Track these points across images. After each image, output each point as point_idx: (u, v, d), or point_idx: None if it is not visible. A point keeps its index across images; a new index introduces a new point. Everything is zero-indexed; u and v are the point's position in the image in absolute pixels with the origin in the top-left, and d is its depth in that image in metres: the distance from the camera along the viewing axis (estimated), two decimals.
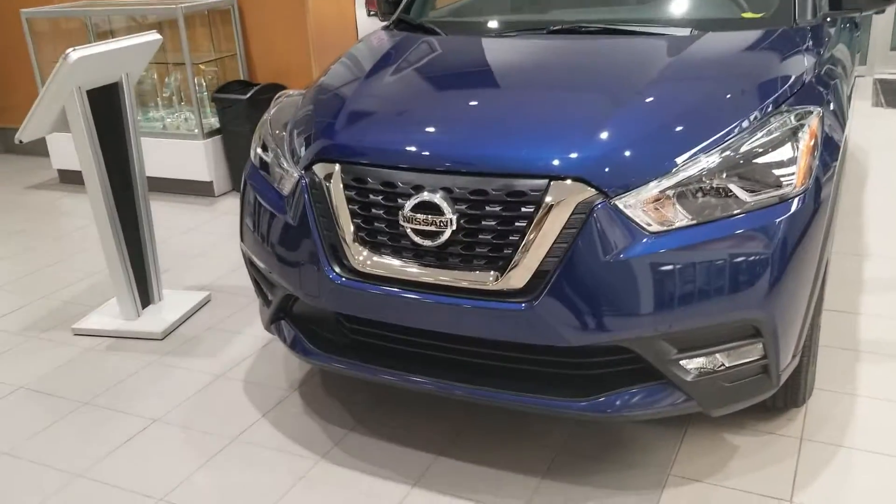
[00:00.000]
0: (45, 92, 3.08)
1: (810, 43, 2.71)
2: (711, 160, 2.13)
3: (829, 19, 3.00)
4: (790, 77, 2.45)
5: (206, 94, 5.28)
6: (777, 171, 2.16)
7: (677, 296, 2.08)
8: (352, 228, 2.32)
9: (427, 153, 2.27)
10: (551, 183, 2.10)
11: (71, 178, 5.68)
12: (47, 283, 4.08)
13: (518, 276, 2.13)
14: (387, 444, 2.62)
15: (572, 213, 2.08)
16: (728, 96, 2.35)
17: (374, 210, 2.30)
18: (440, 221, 2.17)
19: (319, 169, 2.40)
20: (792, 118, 2.27)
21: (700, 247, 2.08)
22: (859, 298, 3.45)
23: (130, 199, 3.49)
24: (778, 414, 2.68)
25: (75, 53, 3.03)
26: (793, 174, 2.17)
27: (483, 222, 2.17)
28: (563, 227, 2.09)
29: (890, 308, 3.34)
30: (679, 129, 2.22)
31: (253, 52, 5.44)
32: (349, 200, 2.33)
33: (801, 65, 2.53)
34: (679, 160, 2.13)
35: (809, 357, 2.45)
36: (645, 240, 2.08)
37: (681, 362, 2.17)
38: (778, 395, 2.54)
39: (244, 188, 2.70)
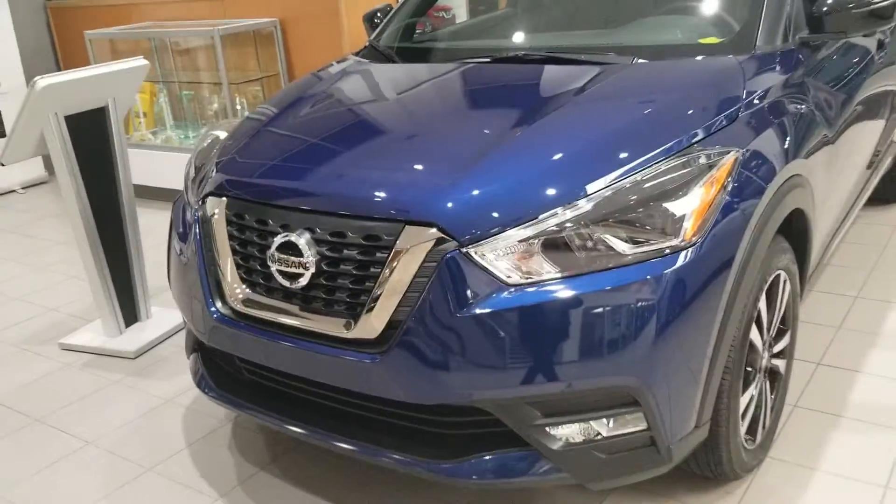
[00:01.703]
0: (19, 118, 3.19)
1: (767, 72, 2.43)
2: (586, 206, 1.92)
3: (812, 44, 2.67)
4: (715, 113, 2.18)
5: (247, 112, 5.37)
6: (664, 221, 1.93)
7: (536, 356, 1.88)
8: (231, 265, 2.26)
9: (294, 191, 2.18)
10: (405, 228, 1.96)
11: None
12: (59, 295, 4.25)
13: (371, 326, 2.00)
14: (290, 489, 2.53)
15: (424, 261, 1.93)
16: (624, 135, 2.12)
17: (248, 247, 2.23)
18: (301, 263, 2.07)
19: (209, 203, 2.36)
20: (701, 160, 2.03)
21: (565, 303, 1.88)
22: (867, 353, 3.06)
23: (117, 219, 3.57)
24: (714, 485, 2.40)
25: (43, 81, 3.13)
26: (682, 225, 1.93)
27: (341, 266, 2.05)
28: (415, 276, 1.94)
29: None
30: (555, 171, 2.02)
31: (296, 71, 5.50)
32: (230, 236, 2.28)
33: (737, 98, 2.25)
34: (547, 206, 1.93)
35: (728, 426, 2.17)
36: (501, 293, 1.89)
37: (547, 429, 1.97)
38: (702, 466, 2.27)
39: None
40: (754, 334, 2.23)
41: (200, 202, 2.40)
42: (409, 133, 2.32)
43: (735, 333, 2.08)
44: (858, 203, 3.35)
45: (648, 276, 1.88)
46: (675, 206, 1.94)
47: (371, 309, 1.99)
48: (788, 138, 2.33)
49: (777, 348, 2.49)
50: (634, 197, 1.94)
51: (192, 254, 2.38)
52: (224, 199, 2.32)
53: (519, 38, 3.16)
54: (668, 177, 1.97)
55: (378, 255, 1.99)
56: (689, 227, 1.93)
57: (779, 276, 2.35)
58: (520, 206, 1.95)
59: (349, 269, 2.03)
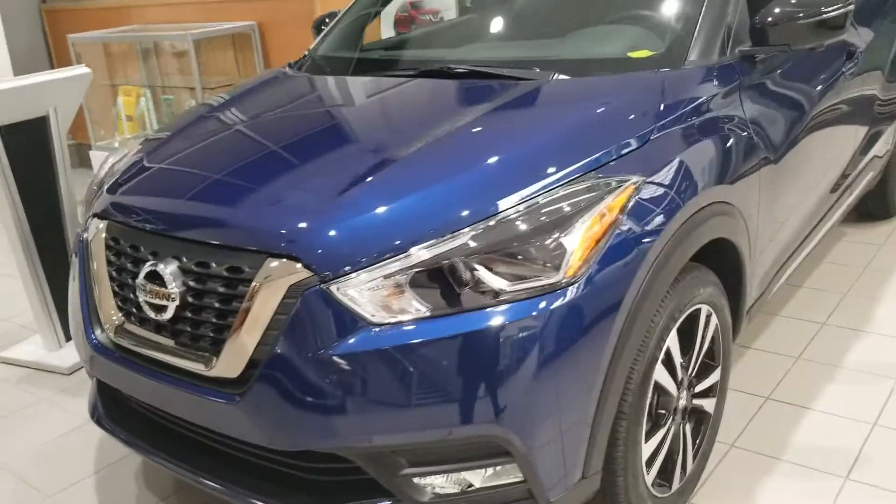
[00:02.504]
0: None
1: (694, 89, 2.25)
2: (461, 239, 1.76)
3: (757, 57, 2.48)
4: (622, 136, 2.01)
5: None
6: (545, 256, 1.77)
7: (397, 403, 1.74)
8: (108, 292, 2.15)
9: (165, 217, 2.05)
10: (266, 260, 1.82)
11: None
12: (12, 305, 4.17)
13: (232, 365, 1.86)
14: None
15: (284, 297, 1.79)
16: (513, 162, 1.95)
17: (122, 274, 2.11)
18: (166, 294, 1.95)
19: (92, 225, 2.25)
20: (595, 188, 1.86)
21: (429, 345, 1.72)
22: (822, 388, 2.85)
23: (59, 231, 3.49)
24: None
25: None
26: (565, 260, 1.77)
27: (205, 299, 1.92)
28: (276, 313, 1.80)
29: (862, 408, 2.74)
30: (431, 201, 1.86)
31: None
32: (108, 261, 2.16)
33: (651, 119, 2.08)
34: (420, 238, 1.78)
35: (627, 476, 2.00)
36: (363, 333, 1.74)
37: (414, 480, 1.82)
38: None
39: None
40: (663, 375, 2.06)
41: (85, 223, 2.29)
42: (291, 157, 2.18)
43: (630, 375, 1.91)
44: (821, 228, 3.13)
45: (524, 317, 1.73)
46: (559, 240, 1.78)
47: (232, 347, 1.86)
48: (710, 161, 2.16)
49: (703, 386, 2.30)
50: (515, 229, 1.78)
51: (75, 278, 2.28)
52: (105, 221, 2.20)
53: (451, 49, 2.99)
54: (554, 207, 1.81)
55: (240, 288, 1.86)
56: (573, 261, 1.77)
57: (699, 310, 2.18)
58: (389, 238, 1.79)
59: (212, 303, 1.90)
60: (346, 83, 2.67)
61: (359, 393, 1.74)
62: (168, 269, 1.94)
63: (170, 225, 2.02)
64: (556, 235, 1.78)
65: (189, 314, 1.94)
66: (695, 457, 2.32)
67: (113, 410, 2.37)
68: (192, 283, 1.93)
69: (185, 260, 1.94)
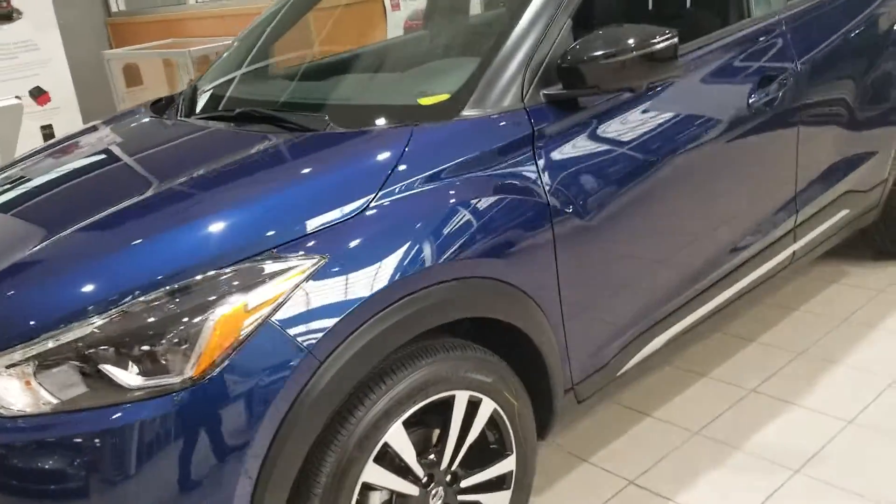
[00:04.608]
0: None
1: (459, 145, 1.96)
2: (88, 329, 1.61)
3: (581, 101, 2.13)
4: (324, 207, 1.77)
5: None
6: (169, 352, 1.59)
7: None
8: None
9: None
10: None
11: None
12: None
13: None
14: None
15: None
16: (179, 237, 1.75)
17: None
18: None
19: None
20: (253, 273, 1.65)
21: (59, 442, 1.58)
22: (699, 478, 2.45)
23: None
24: None
25: None
26: (192, 356, 1.58)
27: None
28: None
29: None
30: (70, 282, 1.70)
31: None
32: None
33: (368, 188, 1.82)
34: (51, 324, 1.63)
35: None
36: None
37: None
38: None
39: None
40: (381, 474, 1.82)
41: None
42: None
43: (312, 480, 1.72)
44: (724, 289, 2.65)
45: (151, 416, 1.56)
46: (192, 332, 1.59)
47: None
48: (454, 232, 1.85)
49: (478, 479, 2.02)
50: (147, 319, 1.61)
51: None
52: None
53: (265, 87, 2.79)
54: (194, 294, 1.62)
55: None
56: (193, 361, 1.58)
57: (452, 396, 1.91)
58: (26, 319, 1.66)
59: None
60: (144, 127, 2.55)
61: None
62: None
63: None
64: (189, 327, 1.59)
65: None
66: None
67: None
68: None
69: None
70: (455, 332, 2.02)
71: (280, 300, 1.63)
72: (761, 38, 2.64)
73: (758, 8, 2.68)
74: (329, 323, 1.66)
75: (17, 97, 3.64)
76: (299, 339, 1.63)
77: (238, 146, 2.11)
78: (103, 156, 2.39)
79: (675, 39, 2.03)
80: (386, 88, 2.41)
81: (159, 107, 2.82)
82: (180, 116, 2.61)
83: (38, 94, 6.42)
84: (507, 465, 2.07)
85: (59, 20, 6.45)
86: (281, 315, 1.62)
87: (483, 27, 2.81)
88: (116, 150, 2.39)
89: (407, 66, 2.63)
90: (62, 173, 2.34)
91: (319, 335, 1.65)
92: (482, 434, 2.02)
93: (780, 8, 2.74)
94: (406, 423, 1.85)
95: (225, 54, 3.01)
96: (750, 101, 2.52)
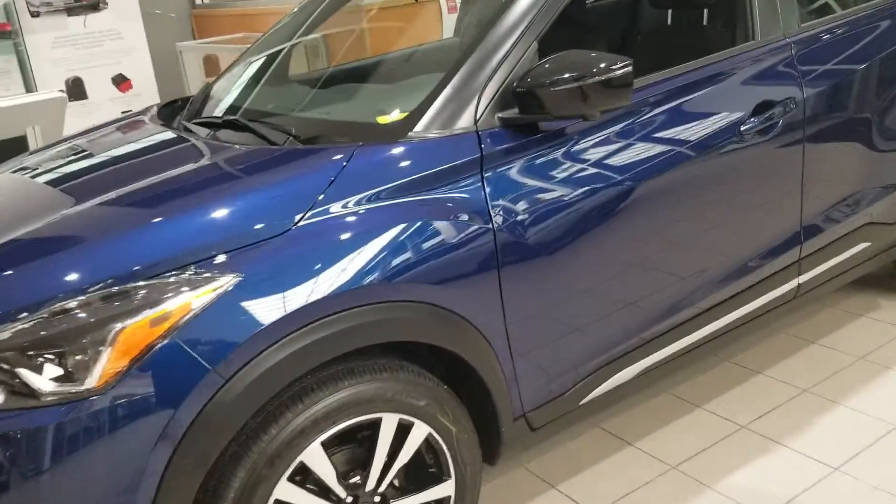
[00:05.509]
0: None
1: (387, 168, 1.95)
2: (8, 332, 1.68)
3: (541, 125, 2.08)
4: (246, 226, 1.80)
5: None
6: (76, 361, 1.65)
7: None
8: None
9: None
10: None
11: None
12: None
13: None
14: None
15: None
16: (104, 245, 1.81)
17: None
18: None
19: None
20: (163, 288, 1.70)
21: None
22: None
23: None
24: None
25: None
26: (97, 365, 1.64)
27: None
28: None
29: None
30: None
31: None
32: None
33: (296, 207, 1.84)
34: None
35: None
36: None
37: None
38: None
39: None
40: (296, 493, 1.84)
41: None
42: None
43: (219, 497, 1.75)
44: (711, 320, 2.55)
45: (51, 422, 1.63)
46: (96, 343, 1.65)
47: None
48: (394, 253, 1.85)
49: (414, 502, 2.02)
50: (64, 325, 1.67)
51: None
52: None
53: (264, 94, 2.78)
54: (100, 307, 1.67)
55: None
56: (94, 372, 1.63)
57: (379, 419, 1.91)
58: None
59: None
60: (141, 133, 2.62)
61: None
62: None
63: None
64: (95, 338, 1.65)
65: None
66: None
67: None
68: None
69: None
70: (415, 355, 2.02)
71: (186, 317, 1.66)
72: (756, 62, 2.51)
73: (764, 30, 2.54)
74: (235, 342, 1.69)
75: (60, 90, 3.83)
76: (203, 356, 1.67)
77: (188, 159, 2.16)
78: (61, 162, 2.46)
79: (630, 68, 1.95)
80: (359, 104, 2.42)
81: (173, 109, 2.90)
82: (183, 120, 2.68)
83: (121, 82, 6.74)
84: (445, 489, 2.06)
85: (144, 11, 6.75)
86: (186, 332, 1.66)
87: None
88: (74, 160, 2.46)
89: (397, 80, 2.63)
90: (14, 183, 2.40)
91: (225, 354, 1.68)
92: (420, 457, 2.02)
93: (792, 31, 2.60)
94: (332, 443, 1.87)
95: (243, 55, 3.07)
96: (743, 128, 2.40)
